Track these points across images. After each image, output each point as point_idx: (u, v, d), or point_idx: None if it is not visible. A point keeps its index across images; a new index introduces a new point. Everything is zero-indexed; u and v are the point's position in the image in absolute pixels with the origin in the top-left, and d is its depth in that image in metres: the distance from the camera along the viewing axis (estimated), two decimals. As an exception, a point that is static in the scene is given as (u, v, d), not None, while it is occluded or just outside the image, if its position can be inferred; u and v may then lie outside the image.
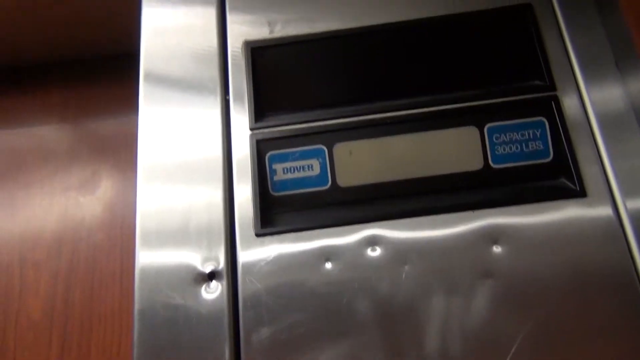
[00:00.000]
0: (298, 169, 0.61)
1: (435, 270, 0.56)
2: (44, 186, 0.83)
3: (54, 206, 0.81)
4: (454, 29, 0.66)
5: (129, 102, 0.82)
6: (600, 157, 0.58)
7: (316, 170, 0.61)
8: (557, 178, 0.59)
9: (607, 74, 0.61)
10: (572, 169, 0.58)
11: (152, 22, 0.71)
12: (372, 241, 0.57)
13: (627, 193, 0.57)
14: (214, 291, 0.57)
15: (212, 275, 0.57)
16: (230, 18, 0.70)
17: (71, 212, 0.80)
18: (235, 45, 0.68)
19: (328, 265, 0.57)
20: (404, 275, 0.56)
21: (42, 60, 0.88)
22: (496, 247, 0.56)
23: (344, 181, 0.61)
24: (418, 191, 0.60)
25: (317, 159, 0.61)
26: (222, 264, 0.57)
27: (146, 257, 0.58)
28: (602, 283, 0.54)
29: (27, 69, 0.89)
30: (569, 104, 0.61)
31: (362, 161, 0.61)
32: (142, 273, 0.58)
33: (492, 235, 0.56)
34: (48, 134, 0.86)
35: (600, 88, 0.61)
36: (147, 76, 0.68)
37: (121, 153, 0.84)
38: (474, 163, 0.60)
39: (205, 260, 0.58)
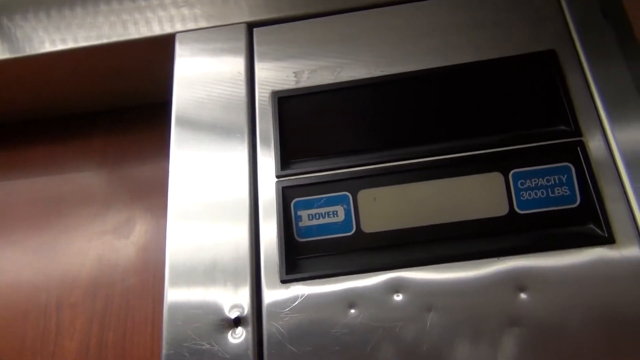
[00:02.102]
0: (323, 216, 0.62)
1: (461, 318, 0.55)
2: (82, 230, 0.85)
3: (91, 250, 0.83)
4: (478, 76, 0.66)
5: (163, 148, 0.85)
6: (629, 202, 0.57)
7: (341, 216, 0.62)
8: (585, 224, 0.58)
9: (634, 118, 0.61)
10: (600, 215, 0.57)
11: (183, 71, 0.74)
12: (396, 287, 0.57)
13: (657, 239, 0.56)
14: (239, 336, 0.57)
15: (237, 321, 0.58)
16: (258, 66, 0.73)
17: (107, 256, 0.82)
18: (262, 93, 0.70)
19: (352, 311, 0.57)
20: (428, 323, 0.55)
21: (84, 110, 0.93)
22: (523, 295, 0.55)
23: (368, 227, 0.61)
24: (442, 237, 0.60)
25: (342, 206, 0.62)
26: (247, 310, 0.58)
27: (174, 297, 0.60)
28: (633, 330, 0.53)
29: (70, 119, 0.93)
30: (595, 148, 0.60)
31: (386, 207, 0.61)
32: (170, 317, 0.59)
33: (519, 282, 0.56)
34: (87, 180, 0.90)
35: (626, 132, 0.60)
36: (178, 122, 0.71)
37: (154, 198, 0.86)
38: (500, 209, 0.60)
39: (231, 304, 0.59)
